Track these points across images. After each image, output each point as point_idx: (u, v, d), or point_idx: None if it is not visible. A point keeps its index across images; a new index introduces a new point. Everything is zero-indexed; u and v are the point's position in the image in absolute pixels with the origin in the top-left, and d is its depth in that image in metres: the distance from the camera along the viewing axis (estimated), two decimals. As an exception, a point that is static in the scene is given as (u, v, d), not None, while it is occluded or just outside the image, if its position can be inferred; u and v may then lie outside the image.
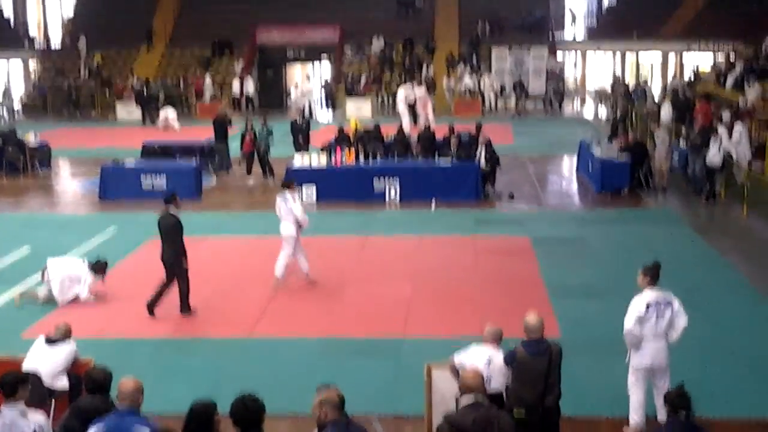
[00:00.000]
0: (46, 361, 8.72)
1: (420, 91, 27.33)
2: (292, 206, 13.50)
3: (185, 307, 12.65)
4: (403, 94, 27.42)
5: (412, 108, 27.37)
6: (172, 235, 12.43)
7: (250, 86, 39.47)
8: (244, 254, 15.83)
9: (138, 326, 12.35)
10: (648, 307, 8.51)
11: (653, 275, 8.63)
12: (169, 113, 33.56)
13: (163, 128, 32.84)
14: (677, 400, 6.67)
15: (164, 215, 12.59)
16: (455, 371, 7.94)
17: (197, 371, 10.67)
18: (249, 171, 22.96)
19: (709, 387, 9.61)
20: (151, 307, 12.55)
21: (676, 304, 8.61)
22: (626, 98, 34.70)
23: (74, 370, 8.80)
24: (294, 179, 14.48)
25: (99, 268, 13.53)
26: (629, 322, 8.50)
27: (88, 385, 7.11)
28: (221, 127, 24.17)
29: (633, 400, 8.82)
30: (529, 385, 7.68)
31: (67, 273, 13.25)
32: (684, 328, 8.61)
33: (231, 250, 16.28)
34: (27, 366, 8.61)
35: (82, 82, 41.38)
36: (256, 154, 22.83)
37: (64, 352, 8.82)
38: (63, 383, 8.76)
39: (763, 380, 10.22)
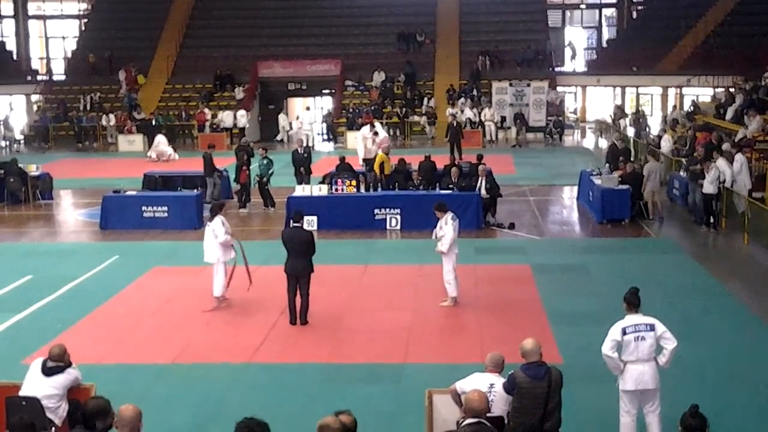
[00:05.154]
0: (43, 391, 8.52)
1: (379, 136, 28.43)
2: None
3: (305, 317, 13.24)
4: (364, 132, 29.66)
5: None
6: (306, 248, 13.10)
7: (244, 118, 39.62)
8: (244, 282, 15.81)
9: (139, 352, 12.39)
10: (624, 332, 8.63)
11: (629, 301, 8.85)
12: (160, 141, 33.68)
13: (157, 157, 32.86)
14: (693, 421, 6.67)
15: (295, 230, 13.31)
16: (457, 397, 7.94)
17: (198, 397, 10.66)
18: (247, 202, 22.99)
19: (711, 413, 9.53)
20: (301, 319, 13.23)
21: (660, 327, 8.66)
22: (627, 129, 34.78)
23: (76, 395, 8.67)
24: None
25: (217, 208, 14.13)
26: (604, 347, 8.66)
27: (84, 417, 6.98)
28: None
29: (621, 424, 8.86)
30: (529, 410, 7.69)
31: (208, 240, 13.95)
32: (673, 350, 8.62)
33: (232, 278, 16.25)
34: (24, 393, 8.52)
35: (84, 114, 41.56)
36: (257, 185, 22.90)
37: (59, 381, 8.60)
38: (62, 411, 8.64)
39: (764, 406, 10.21)
